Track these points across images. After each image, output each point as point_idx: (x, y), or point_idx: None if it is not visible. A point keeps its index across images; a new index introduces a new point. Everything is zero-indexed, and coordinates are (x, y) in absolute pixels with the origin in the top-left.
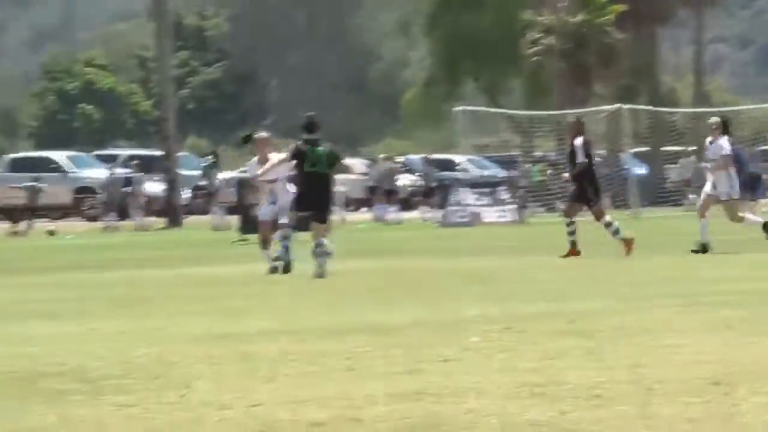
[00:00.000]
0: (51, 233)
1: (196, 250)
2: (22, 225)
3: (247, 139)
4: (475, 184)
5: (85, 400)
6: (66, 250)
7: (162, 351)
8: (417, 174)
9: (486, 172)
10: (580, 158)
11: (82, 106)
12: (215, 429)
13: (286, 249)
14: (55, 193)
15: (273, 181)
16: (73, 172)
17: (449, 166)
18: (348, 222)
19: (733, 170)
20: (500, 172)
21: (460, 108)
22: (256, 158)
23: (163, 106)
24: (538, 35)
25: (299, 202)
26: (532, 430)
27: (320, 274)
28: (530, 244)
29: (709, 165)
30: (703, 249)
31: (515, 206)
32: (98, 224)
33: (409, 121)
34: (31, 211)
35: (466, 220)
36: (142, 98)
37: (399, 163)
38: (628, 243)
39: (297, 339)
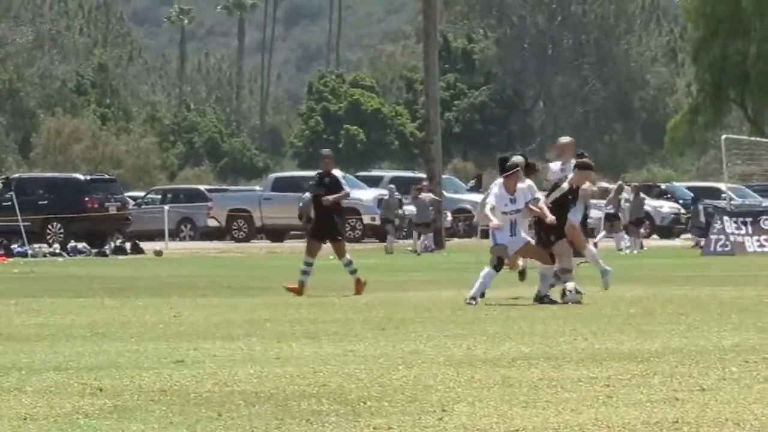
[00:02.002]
0: None
1: (458, 273)
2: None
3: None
4: (736, 213)
5: (342, 422)
6: (326, 272)
7: (420, 374)
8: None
9: (747, 201)
10: (346, 189)
11: (347, 126)
12: None
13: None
14: None
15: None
16: None
17: (714, 194)
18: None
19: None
20: (763, 201)
21: (726, 136)
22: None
23: (429, 129)
24: None
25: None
26: None
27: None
28: None
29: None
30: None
31: None
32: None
33: (673, 148)
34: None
35: (728, 249)
36: (408, 120)
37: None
38: (359, 284)
39: (555, 365)
